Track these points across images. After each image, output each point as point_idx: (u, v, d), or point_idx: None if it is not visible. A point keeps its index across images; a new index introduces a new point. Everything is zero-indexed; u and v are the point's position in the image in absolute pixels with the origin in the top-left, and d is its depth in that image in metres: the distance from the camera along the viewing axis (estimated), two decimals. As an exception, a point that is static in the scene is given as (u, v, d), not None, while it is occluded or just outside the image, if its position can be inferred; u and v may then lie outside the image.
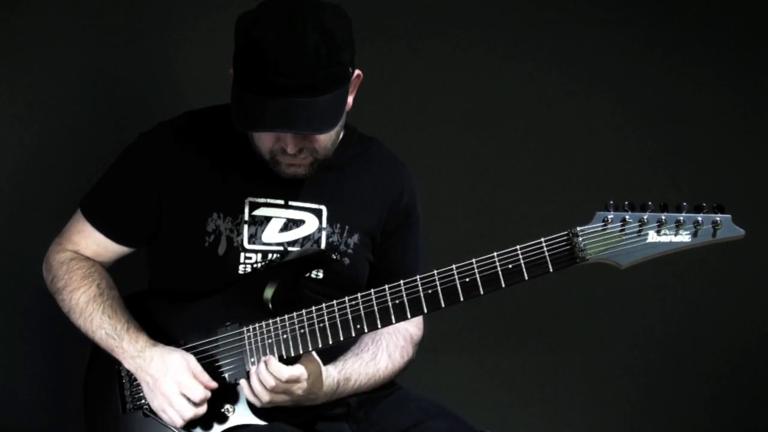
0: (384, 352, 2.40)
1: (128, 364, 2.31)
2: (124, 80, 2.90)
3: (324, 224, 2.37)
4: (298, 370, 2.21)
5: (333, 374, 2.30)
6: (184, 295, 2.35)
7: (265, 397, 2.22)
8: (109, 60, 2.88)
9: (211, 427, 2.28)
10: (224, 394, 2.28)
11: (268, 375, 2.20)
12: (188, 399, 2.24)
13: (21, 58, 2.82)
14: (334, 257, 2.36)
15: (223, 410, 2.28)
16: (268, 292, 2.29)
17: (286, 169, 2.29)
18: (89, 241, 2.40)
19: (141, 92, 2.90)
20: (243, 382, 2.26)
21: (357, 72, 2.26)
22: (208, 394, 2.25)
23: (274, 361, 2.21)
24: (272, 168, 2.29)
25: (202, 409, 2.26)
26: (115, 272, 2.43)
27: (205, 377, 2.26)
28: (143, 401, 2.33)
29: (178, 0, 2.93)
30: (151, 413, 2.31)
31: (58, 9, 2.83)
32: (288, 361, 2.24)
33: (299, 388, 2.23)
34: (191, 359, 2.27)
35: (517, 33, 3.15)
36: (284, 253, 2.35)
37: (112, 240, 2.40)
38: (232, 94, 2.22)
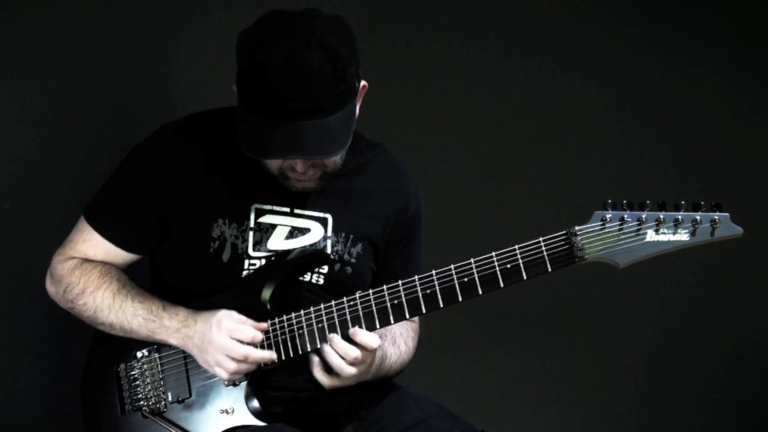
0: (400, 337, 2.40)
1: (174, 339, 2.28)
2: (125, 82, 2.91)
3: (329, 233, 2.37)
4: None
5: (377, 350, 2.28)
6: (182, 296, 2.34)
7: (350, 370, 2.20)
8: (111, 62, 2.90)
9: (211, 428, 2.27)
10: (224, 395, 2.28)
11: (350, 347, 2.19)
12: (240, 341, 2.22)
13: (23, 60, 2.84)
14: (333, 257, 2.36)
15: (222, 412, 2.27)
16: (266, 293, 2.29)
17: (296, 184, 2.29)
18: (98, 250, 2.37)
19: (143, 94, 2.91)
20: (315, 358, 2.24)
21: (363, 83, 2.26)
22: (260, 335, 2.23)
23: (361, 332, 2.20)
24: (282, 183, 2.29)
25: (258, 352, 2.23)
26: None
27: (251, 321, 2.24)
28: (142, 402, 2.33)
29: (179, 2, 2.95)
30: (149, 414, 2.31)
31: (60, 11, 2.86)
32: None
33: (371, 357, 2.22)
34: (233, 312, 2.26)
35: (512, 32, 3.17)
36: (283, 254, 2.34)
37: (121, 248, 2.37)
38: (238, 114, 2.22)
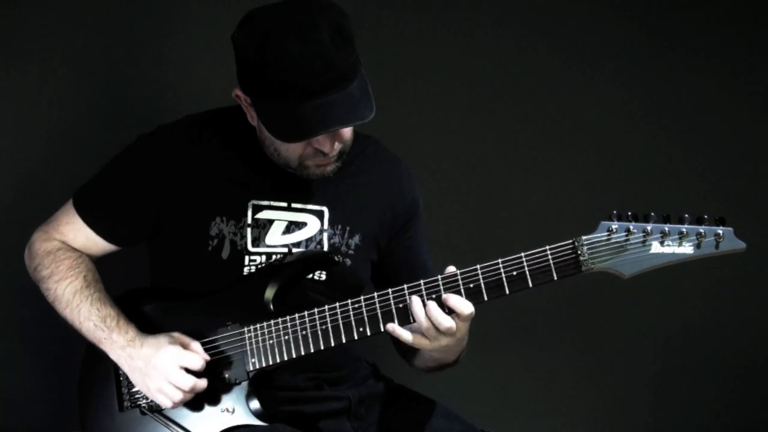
0: None
1: (116, 354, 2.29)
2: (124, 80, 2.88)
3: (326, 226, 2.38)
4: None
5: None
6: (185, 294, 2.34)
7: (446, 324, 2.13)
8: (110, 60, 2.87)
9: (211, 427, 2.27)
10: (224, 395, 2.28)
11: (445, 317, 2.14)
12: (186, 370, 2.22)
13: (21, 58, 2.81)
14: (337, 259, 2.37)
15: (223, 411, 2.28)
16: (269, 293, 2.30)
17: (316, 170, 2.30)
18: (78, 234, 2.39)
19: (141, 93, 2.89)
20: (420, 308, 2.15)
21: None
22: (204, 362, 2.23)
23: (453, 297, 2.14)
24: (299, 173, 2.30)
25: (202, 382, 2.23)
26: (115, 271, 2.43)
27: (197, 346, 2.25)
28: (140, 399, 2.32)
29: (179, 2, 2.92)
30: (148, 411, 2.31)
31: (59, 9, 2.82)
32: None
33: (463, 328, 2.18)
34: (177, 333, 2.26)
35: (525, 39, 3.15)
36: (288, 255, 2.35)
37: (101, 237, 2.39)
38: (262, 111, 2.21)
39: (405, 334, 2.17)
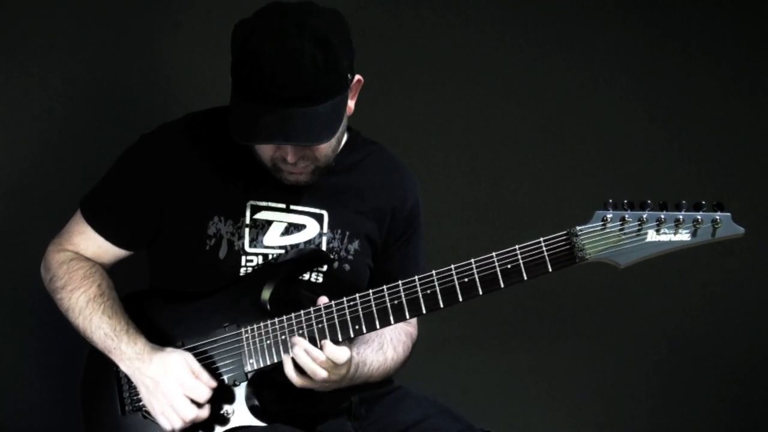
0: (389, 344, 2.39)
1: (125, 366, 2.30)
2: (125, 80, 2.91)
3: (325, 229, 2.37)
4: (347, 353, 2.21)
5: (354, 357, 2.28)
6: (182, 296, 2.34)
7: (322, 374, 2.19)
8: (111, 60, 2.90)
9: (211, 429, 2.27)
10: (223, 396, 2.28)
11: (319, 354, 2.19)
12: (191, 400, 2.24)
13: (22, 58, 2.83)
14: (332, 257, 2.36)
15: (222, 412, 2.27)
16: (266, 293, 2.29)
17: (288, 177, 2.29)
18: (90, 242, 2.40)
19: (142, 92, 2.91)
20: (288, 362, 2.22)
21: (357, 77, 2.26)
22: (211, 393, 2.25)
23: (330, 345, 2.19)
24: (274, 175, 2.29)
25: (205, 412, 2.25)
26: (115, 272, 2.44)
27: (206, 376, 2.26)
28: (142, 403, 2.32)
29: (180, 1, 2.94)
30: (150, 415, 2.31)
31: (60, 8, 2.85)
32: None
33: (340, 371, 2.21)
34: (190, 358, 2.26)
35: (514, 29, 3.15)
36: (283, 255, 2.34)
37: (112, 243, 2.40)
38: (231, 102, 2.22)
39: (291, 373, 2.21)
